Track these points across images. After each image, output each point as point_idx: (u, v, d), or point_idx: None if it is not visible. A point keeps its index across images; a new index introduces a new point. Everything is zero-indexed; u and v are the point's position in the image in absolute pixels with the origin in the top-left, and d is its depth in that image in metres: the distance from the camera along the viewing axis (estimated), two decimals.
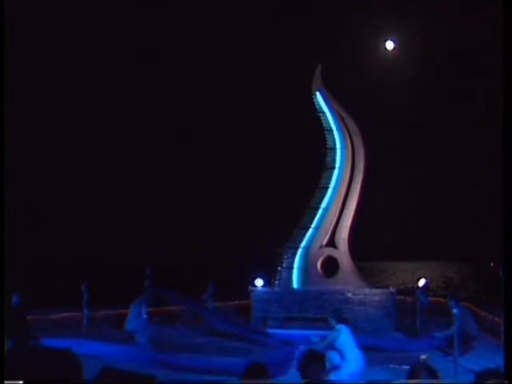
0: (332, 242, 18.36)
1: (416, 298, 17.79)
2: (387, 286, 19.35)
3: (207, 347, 15.07)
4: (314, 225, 18.23)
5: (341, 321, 9.93)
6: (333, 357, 9.60)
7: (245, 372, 4.51)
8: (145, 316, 15.83)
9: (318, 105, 18.71)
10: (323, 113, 18.65)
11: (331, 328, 9.97)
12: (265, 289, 18.26)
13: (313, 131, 19.84)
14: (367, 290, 17.63)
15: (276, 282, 18.37)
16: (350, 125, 18.60)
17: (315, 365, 4.99)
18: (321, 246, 18.31)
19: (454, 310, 12.68)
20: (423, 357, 7.87)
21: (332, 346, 9.60)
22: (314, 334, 11.41)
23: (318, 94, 18.68)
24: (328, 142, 18.62)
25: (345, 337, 9.66)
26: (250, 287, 18.22)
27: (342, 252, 18.24)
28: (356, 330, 13.22)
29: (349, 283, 17.80)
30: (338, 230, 18.28)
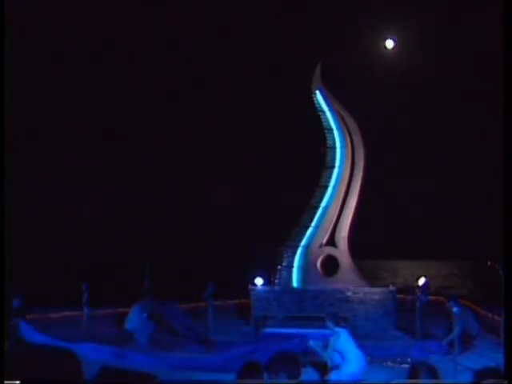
0: (332, 241, 18.35)
1: (416, 297, 17.77)
2: (387, 285, 19.33)
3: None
4: (313, 224, 18.22)
5: (338, 324, 9.95)
6: (333, 357, 9.62)
7: (240, 371, 4.45)
8: (144, 315, 15.84)
9: (318, 104, 18.70)
10: (323, 112, 18.64)
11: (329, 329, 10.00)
12: (265, 288, 18.25)
13: (313, 130, 19.83)
14: (367, 289, 17.63)
15: (276, 281, 18.37)
16: (349, 124, 18.59)
17: (285, 366, 4.83)
18: (321, 245, 18.31)
19: (454, 309, 12.65)
20: None
21: (332, 349, 9.65)
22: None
23: (317, 92, 18.67)
24: (328, 141, 18.62)
25: (344, 339, 9.67)
26: (249, 286, 18.23)
27: (342, 251, 18.24)
28: (356, 329, 13.23)
29: (349, 282, 17.79)
30: (337, 229, 18.27)
